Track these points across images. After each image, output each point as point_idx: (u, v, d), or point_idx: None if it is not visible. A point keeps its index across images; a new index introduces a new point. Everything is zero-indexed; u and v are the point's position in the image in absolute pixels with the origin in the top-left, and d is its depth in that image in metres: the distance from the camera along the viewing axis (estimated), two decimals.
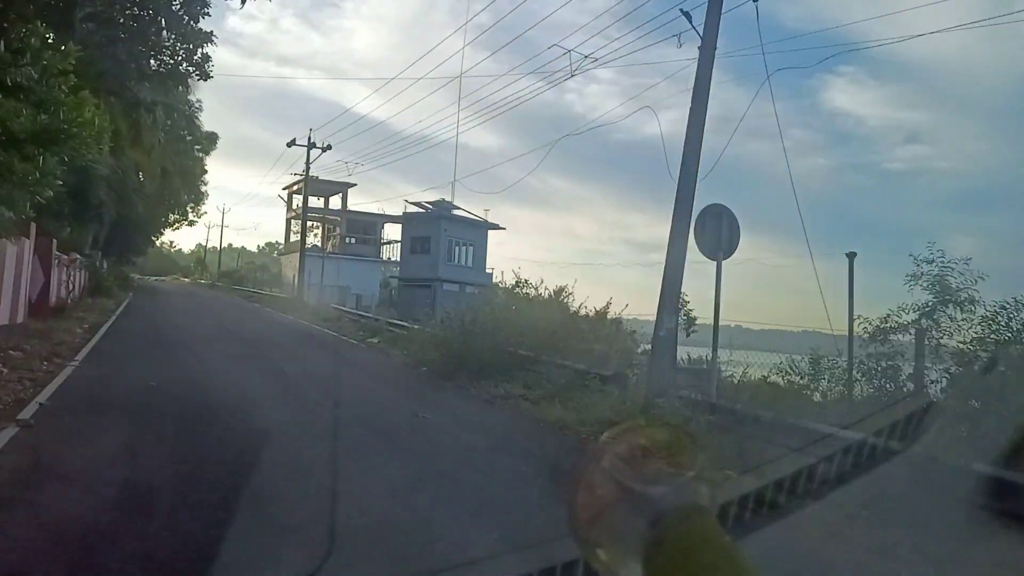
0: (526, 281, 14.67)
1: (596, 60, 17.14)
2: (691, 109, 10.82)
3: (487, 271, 44.62)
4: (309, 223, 64.15)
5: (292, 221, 67.65)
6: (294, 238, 71.69)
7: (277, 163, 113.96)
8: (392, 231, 64.02)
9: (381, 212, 63.36)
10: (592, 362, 11.49)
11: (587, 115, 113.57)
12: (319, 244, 67.09)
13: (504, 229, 44.64)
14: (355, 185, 62.20)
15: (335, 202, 65.43)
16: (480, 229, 43.47)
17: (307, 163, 40.13)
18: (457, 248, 42.27)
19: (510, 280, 16.35)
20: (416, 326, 18.40)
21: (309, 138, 39.02)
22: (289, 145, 38.40)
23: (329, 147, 38.27)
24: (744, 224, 10.14)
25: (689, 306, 13.38)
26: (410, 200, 42.47)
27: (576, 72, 31.12)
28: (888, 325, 9.11)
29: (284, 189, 66.64)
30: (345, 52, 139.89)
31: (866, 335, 9.27)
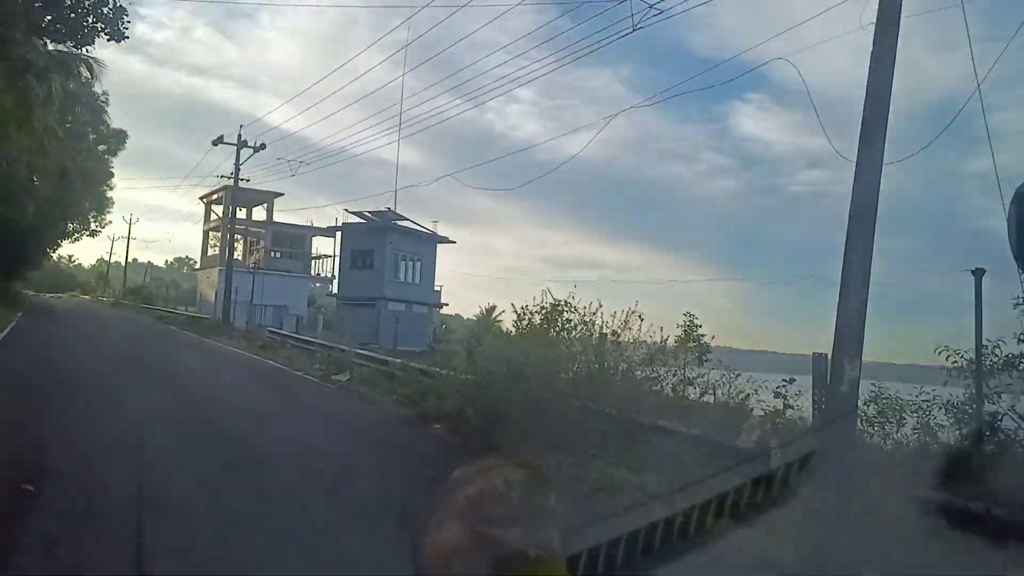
0: (565, 304, 10.67)
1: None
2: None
3: (435, 289, 40.68)
4: (229, 236, 58.79)
5: (210, 233, 61.92)
6: (212, 252, 65.93)
7: (193, 172, 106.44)
8: (323, 245, 59.30)
9: (310, 224, 58.53)
10: (706, 424, 7.93)
11: (508, 134, 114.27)
12: (241, 258, 61.65)
13: (454, 243, 40.84)
14: (282, 195, 57.17)
15: (259, 213, 60.08)
16: (428, 243, 39.54)
17: (236, 164, 35.23)
18: (403, 263, 38.19)
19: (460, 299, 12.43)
20: (397, 360, 14.52)
21: (239, 136, 34.23)
22: (216, 143, 33.53)
23: (263, 146, 33.64)
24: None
25: (700, 329, 10.64)
26: (350, 210, 38.15)
27: (498, 96, 29.71)
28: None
29: (202, 198, 60.99)
30: (261, 64, 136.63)
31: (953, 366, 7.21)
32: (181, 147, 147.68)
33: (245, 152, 35.53)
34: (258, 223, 58.59)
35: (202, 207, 61.36)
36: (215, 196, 58.77)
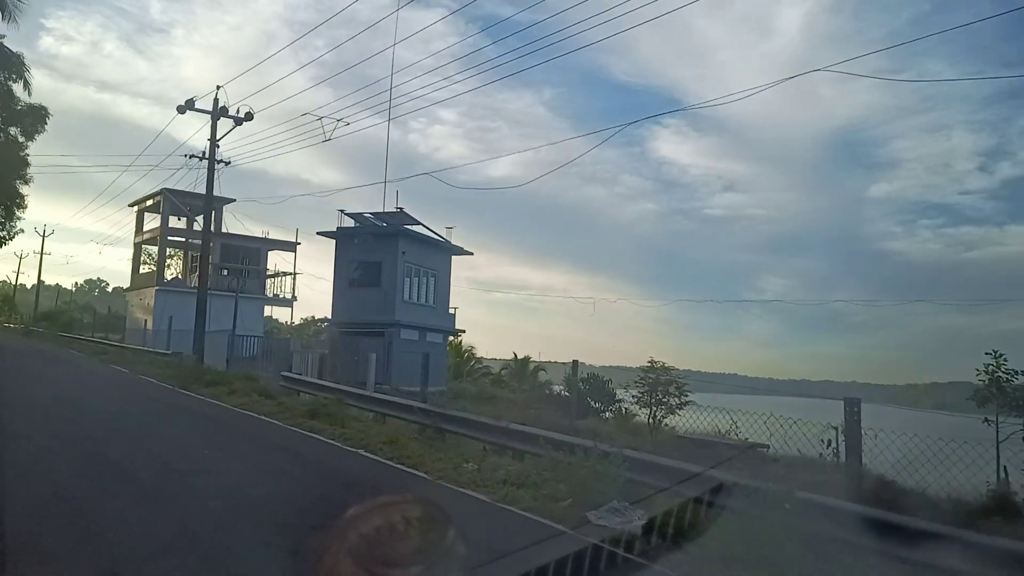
0: None
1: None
2: None
3: (450, 311, 32.58)
4: (164, 251, 48.88)
5: (144, 247, 51.92)
6: (147, 269, 55.84)
7: (105, 191, 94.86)
8: (280, 261, 50.20)
9: (265, 236, 49.49)
10: None
11: (431, 155, 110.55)
12: (182, 276, 51.76)
13: (471, 254, 32.77)
14: (234, 200, 47.92)
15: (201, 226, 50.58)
16: (443, 253, 31.42)
17: (212, 139, 25.86)
18: (416, 279, 29.95)
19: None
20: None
21: (216, 101, 24.94)
22: (184, 110, 24.41)
23: (250, 116, 24.76)
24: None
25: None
26: (348, 212, 29.68)
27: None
28: None
29: (132, 205, 51.02)
30: (175, 80, 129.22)
31: None
32: (89, 164, 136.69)
33: (224, 126, 26.56)
34: (199, 233, 49.01)
35: (131, 217, 51.34)
36: (149, 202, 49.04)
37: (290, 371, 21.12)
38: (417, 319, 29.13)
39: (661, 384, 20.15)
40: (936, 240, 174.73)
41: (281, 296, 50.29)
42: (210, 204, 29.96)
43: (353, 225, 30.20)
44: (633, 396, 21.02)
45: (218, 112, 25.32)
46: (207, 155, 26.96)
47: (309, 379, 18.90)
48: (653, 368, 20.43)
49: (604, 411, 26.06)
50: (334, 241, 30.23)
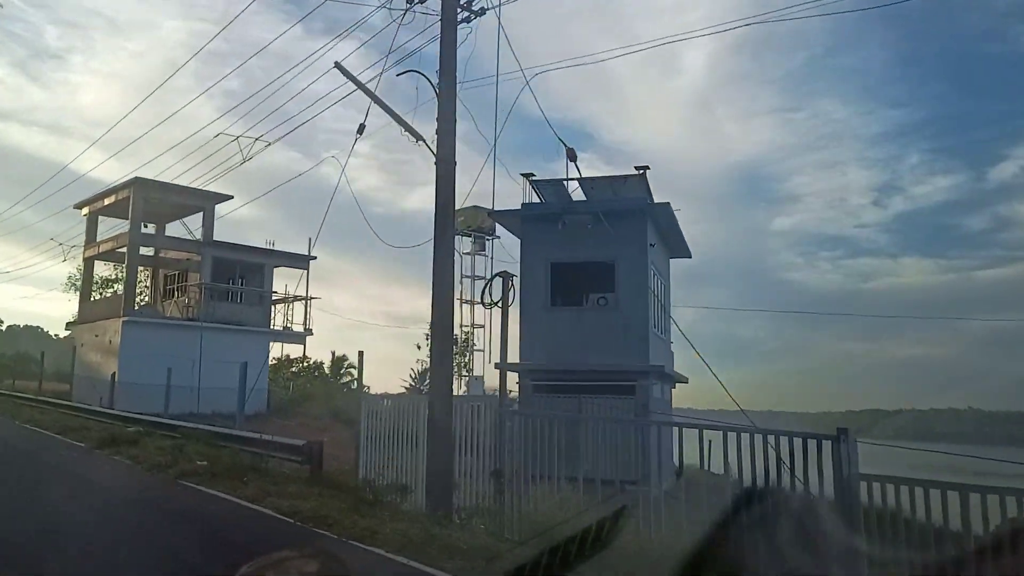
0: None
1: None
2: None
3: (670, 349, 20.34)
4: (126, 268, 34.50)
5: (93, 263, 37.40)
6: (98, 294, 41.14)
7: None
8: (288, 279, 36.74)
9: (270, 247, 36.06)
10: None
11: (343, 187, 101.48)
12: (152, 302, 37.38)
13: (690, 257, 20.67)
14: (231, 197, 34.41)
15: (174, 231, 36.43)
16: (669, 245, 19.23)
17: None
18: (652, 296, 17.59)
19: None
20: None
21: None
22: None
23: None
24: None
25: None
26: (534, 177, 17.11)
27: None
28: None
29: (80, 206, 36.51)
30: (71, 109, 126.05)
31: None
32: None
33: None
34: (185, 242, 34.99)
35: (74, 227, 36.82)
36: (109, 200, 34.82)
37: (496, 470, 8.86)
38: (663, 359, 16.82)
39: None
40: (835, 271, 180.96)
41: (289, 328, 36.76)
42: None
43: (541, 202, 17.68)
44: None
45: None
46: None
47: None
48: None
49: None
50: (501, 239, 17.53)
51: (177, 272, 36.47)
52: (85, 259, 36.07)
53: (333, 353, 45.23)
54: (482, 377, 27.48)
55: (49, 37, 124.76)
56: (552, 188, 17.20)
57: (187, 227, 37.35)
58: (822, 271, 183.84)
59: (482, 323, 29.19)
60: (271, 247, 35.77)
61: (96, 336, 33.38)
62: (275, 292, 36.34)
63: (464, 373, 28.68)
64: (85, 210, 36.12)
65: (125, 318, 31.46)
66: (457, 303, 29.01)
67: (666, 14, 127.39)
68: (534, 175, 16.84)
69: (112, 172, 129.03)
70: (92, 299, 36.81)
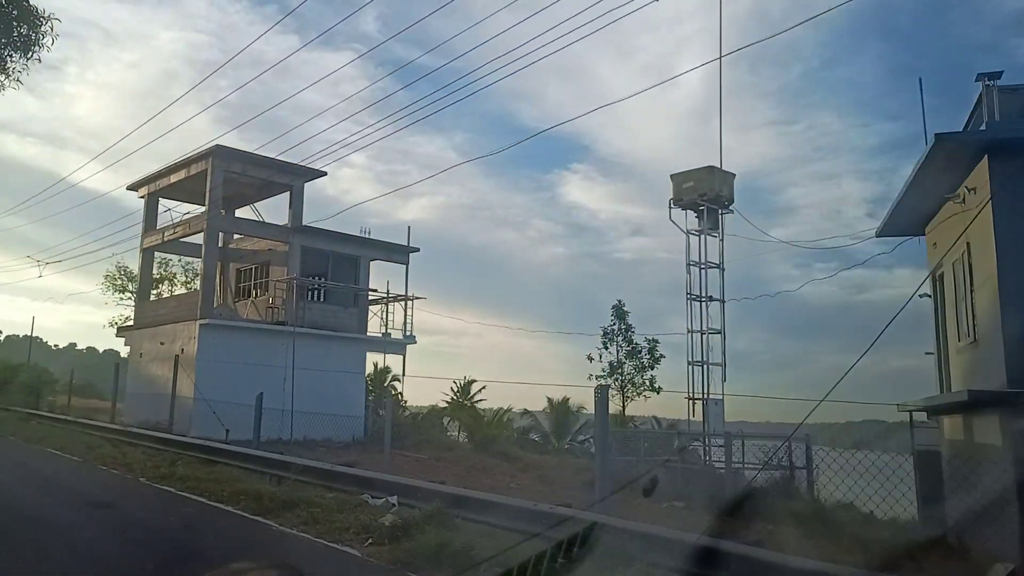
0: None
1: None
2: None
3: None
4: (203, 259, 27.91)
5: (153, 255, 30.87)
6: (164, 291, 34.79)
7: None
8: (391, 276, 30.32)
9: (366, 235, 29.65)
10: None
11: (340, 198, 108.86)
12: (220, 303, 30.78)
13: None
14: (324, 174, 28.10)
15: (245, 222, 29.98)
16: None
17: None
18: None
19: None
20: None
21: None
22: None
23: None
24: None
25: None
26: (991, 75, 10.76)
27: None
28: None
29: (134, 187, 30.00)
30: (67, 119, 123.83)
31: None
32: None
33: None
34: (272, 228, 28.54)
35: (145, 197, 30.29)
36: (173, 178, 28.37)
37: None
38: None
39: None
40: (830, 282, 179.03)
41: (388, 334, 30.32)
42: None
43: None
44: None
45: None
46: None
47: None
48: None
49: None
50: None
51: (254, 266, 29.99)
52: (143, 250, 29.53)
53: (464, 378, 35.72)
54: (722, 400, 21.08)
55: (44, 47, 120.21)
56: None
57: (256, 211, 31.02)
58: (817, 283, 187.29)
59: (717, 328, 22.59)
60: (367, 235, 29.44)
61: (162, 344, 26.86)
62: (373, 290, 29.93)
63: (695, 396, 22.09)
64: (143, 190, 29.67)
65: (203, 320, 25.00)
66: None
67: (663, 26, 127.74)
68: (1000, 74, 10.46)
69: (107, 184, 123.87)
70: (148, 299, 30.23)
